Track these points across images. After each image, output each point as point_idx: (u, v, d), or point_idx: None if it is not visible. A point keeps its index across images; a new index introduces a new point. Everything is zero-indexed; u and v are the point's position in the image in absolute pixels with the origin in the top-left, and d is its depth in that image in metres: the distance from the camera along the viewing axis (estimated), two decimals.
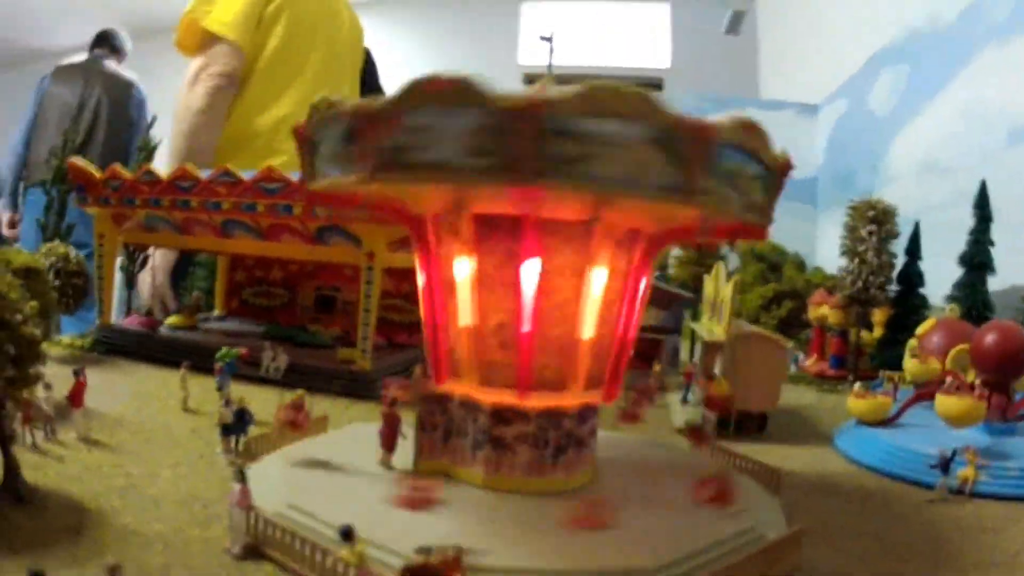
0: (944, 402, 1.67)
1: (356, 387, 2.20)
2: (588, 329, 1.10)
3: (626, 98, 0.83)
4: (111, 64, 4.99)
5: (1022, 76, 2.88)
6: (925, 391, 1.90)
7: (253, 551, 1.01)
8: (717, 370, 2.04)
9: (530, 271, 1.03)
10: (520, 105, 0.83)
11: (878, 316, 3.17)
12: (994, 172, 2.88)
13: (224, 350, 1.89)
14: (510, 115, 0.83)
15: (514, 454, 1.14)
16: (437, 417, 1.21)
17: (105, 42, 5.11)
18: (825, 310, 3.21)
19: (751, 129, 0.94)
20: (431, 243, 1.16)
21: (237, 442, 1.47)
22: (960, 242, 2.95)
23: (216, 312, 3.19)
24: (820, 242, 5.79)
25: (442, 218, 1.13)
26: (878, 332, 3.16)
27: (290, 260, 3.08)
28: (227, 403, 1.48)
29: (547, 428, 1.14)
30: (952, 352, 2.02)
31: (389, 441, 1.26)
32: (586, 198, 0.93)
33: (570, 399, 1.14)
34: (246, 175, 2.25)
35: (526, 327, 1.04)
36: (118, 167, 2.53)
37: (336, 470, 1.23)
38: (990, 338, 1.74)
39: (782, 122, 6.22)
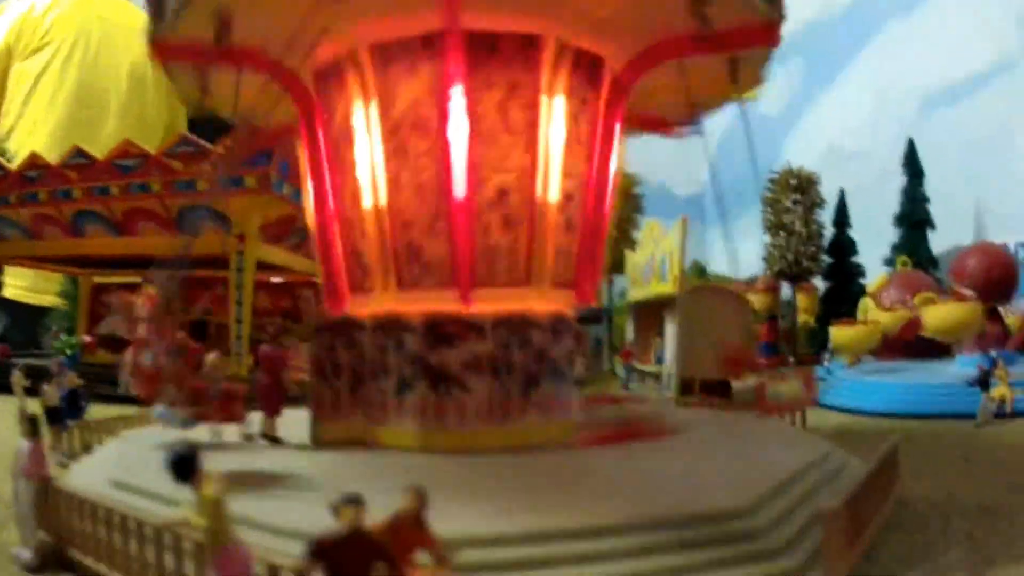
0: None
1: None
2: (553, 188, 0.73)
3: None
4: None
5: (928, 47, 2.89)
6: None
7: (52, 556, 0.61)
8: (668, 336, 1.75)
9: (458, 102, 0.65)
10: None
11: (803, 302, 3.07)
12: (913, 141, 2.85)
13: (64, 338, 1.51)
14: None
15: (464, 391, 0.74)
16: (340, 354, 0.78)
17: None
18: (749, 297, 3.07)
19: None
20: (314, 105, 0.79)
21: (66, 430, 1.06)
22: (881, 221, 2.89)
23: (76, 341, 2.82)
24: (712, 254, 5.85)
25: (329, 67, 0.76)
26: (807, 317, 3.06)
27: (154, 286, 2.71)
28: (51, 381, 1.05)
29: (510, 346, 0.76)
30: (918, 298, 1.88)
31: (272, 400, 0.83)
32: None
33: (537, 300, 0.76)
34: None
35: (459, 190, 0.66)
36: None
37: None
38: (973, 260, 1.56)
39: (663, 143, 6.17)
